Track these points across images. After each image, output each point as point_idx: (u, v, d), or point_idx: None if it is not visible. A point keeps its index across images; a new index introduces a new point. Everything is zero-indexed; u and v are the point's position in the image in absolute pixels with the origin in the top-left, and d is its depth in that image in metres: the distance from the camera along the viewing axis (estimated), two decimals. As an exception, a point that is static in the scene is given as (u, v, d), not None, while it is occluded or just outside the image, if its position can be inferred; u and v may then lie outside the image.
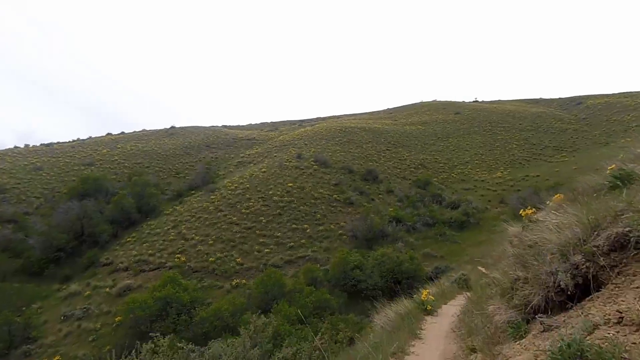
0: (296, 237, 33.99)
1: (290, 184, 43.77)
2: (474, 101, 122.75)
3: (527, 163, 60.81)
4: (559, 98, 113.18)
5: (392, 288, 26.18)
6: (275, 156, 57.25)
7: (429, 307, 7.10)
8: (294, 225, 35.64)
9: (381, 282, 26.09)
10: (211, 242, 32.29)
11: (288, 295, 23.97)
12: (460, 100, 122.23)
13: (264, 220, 35.97)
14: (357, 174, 50.94)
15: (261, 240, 33.21)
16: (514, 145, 69.57)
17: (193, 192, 46.66)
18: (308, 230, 35.15)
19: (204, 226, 35.13)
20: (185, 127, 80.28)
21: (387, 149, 67.89)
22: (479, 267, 23.83)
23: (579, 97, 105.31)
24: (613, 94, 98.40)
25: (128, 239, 35.31)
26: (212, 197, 41.45)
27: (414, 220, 39.27)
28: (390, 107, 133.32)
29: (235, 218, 36.33)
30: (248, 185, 43.21)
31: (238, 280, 27.17)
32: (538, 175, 50.27)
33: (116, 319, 23.40)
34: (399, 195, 46.88)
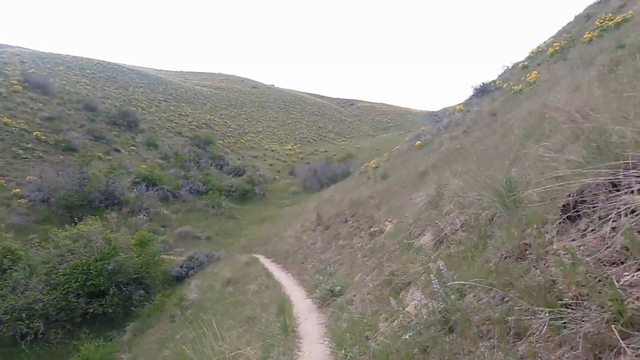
0: None
1: None
2: (270, 85, 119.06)
3: (314, 142, 57.07)
4: (338, 98, 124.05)
5: (83, 310, 11.32)
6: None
7: None
8: None
9: (49, 300, 10.70)
10: None
11: None
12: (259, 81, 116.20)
13: None
14: (102, 115, 31.58)
15: None
16: (304, 125, 65.88)
17: None
18: None
19: None
20: None
21: (165, 100, 50.01)
22: (258, 257, 9.96)
23: (352, 99, 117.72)
24: (375, 102, 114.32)
25: None
26: None
27: (177, 185, 24.95)
28: (184, 70, 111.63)
29: None
30: None
31: None
32: (326, 151, 45.62)
33: None
34: (166, 151, 31.30)
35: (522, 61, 16.75)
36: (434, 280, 2.35)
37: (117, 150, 27.31)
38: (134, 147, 29.32)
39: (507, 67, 19.54)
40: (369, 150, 40.58)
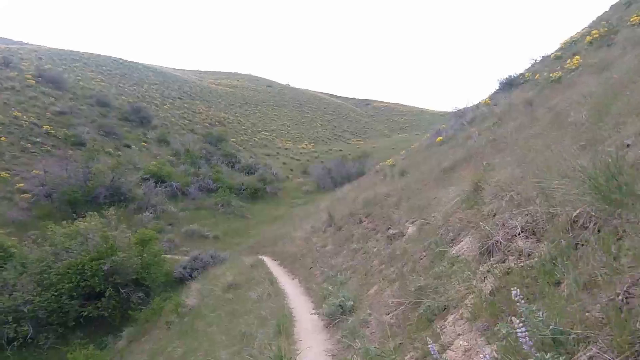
0: None
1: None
2: (286, 84, 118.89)
3: (329, 141, 56.04)
4: (353, 98, 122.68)
5: (77, 312, 10.62)
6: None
7: None
8: None
9: (39, 301, 10.06)
10: None
11: None
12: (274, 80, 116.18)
13: None
14: (114, 111, 31.50)
15: None
16: (319, 124, 64.93)
17: None
18: None
19: None
20: None
21: (180, 97, 50.00)
22: (265, 259, 8.66)
23: (368, 100, 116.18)
24: (391, 102, 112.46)
25: None
26: None
27: (186, 182, 24.40)
28: (201, 69, 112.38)
29: None
30: None
31: None
32: (341, 150, 44.55)
33: None
34: (177, 148, 30.90)
35: (554, 52, 15.34)
36: (520, 332, 1.28)
37: (128, 146, 27.01)
38: (145, 143, 29.02)
39: (535, 59, 18.07)
40: (385, 150, 39.25)
